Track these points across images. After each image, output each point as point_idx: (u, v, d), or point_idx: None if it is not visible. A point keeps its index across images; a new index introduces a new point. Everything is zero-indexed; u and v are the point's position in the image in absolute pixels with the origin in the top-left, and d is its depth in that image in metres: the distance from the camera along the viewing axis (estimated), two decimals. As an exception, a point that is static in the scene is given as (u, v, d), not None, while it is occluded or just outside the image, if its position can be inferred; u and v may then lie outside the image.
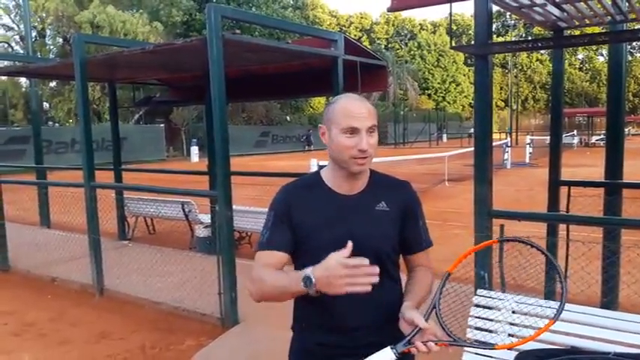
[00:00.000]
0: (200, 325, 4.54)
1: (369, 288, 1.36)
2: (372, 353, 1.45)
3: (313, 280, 1.39)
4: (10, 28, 32.54)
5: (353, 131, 1.54)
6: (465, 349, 2.42)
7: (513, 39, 45.09)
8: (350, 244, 1.39)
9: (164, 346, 4.18)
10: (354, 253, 1.58)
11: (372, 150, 1.57)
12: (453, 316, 1.63)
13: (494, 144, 3.49)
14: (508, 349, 2.39)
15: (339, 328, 1.54)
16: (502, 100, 61.93)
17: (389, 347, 1.43)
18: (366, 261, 1.37)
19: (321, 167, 1.74)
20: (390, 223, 1.65)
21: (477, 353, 2.47)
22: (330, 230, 1.59)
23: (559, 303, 1.50)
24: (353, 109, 1.56)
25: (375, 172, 1.71)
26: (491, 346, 1.43)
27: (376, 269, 1.37)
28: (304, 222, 1.61)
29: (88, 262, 5.56)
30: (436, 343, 1.43)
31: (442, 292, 1.54)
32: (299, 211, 1.62)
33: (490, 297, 2.69)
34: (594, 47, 61.15)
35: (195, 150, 28.49)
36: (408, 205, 1.70)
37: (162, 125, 30.58)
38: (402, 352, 1.43)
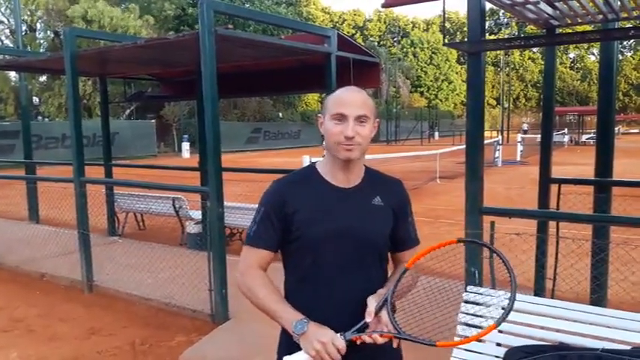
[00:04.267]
0: (190, 322, 4.53)
1: None
2: (362, 346, 1.48)
3: (306, 329, 1.48)
4: (0, 22, 32.22)
5: (341, 118, 1.56)
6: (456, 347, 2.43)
7: (506, 37, 45.24)
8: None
9: (154, 342, 4.16)
10: (351, 247, 1.60)
11: (361, 140, 1.57)
12: (440, 312, 1.63)
13: (485, 142, 3.50)
14: (450, 347, 2.42)
15: (327, 323, 1.54)
16: (494, 99, 62.19)
17: (339, 334, 1.47)
18: (342, 350, 1.46)
19: (314, 163, 1.74)
20: (385, 217, 1.67)
21: (466, 349, 2.48)
22: (327, 223, 1.60)
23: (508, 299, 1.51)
24: (345, 97, 1.59)
25: (369, 169, 1.73)
26: (432, 343, 1.44)
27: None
28: (300, 216, 1.60)
29: (77, 258, 5.52)
30: (381, 335, 1.47)
31: (397, 286, 1.55)
32: (293, 205, 1.61)
33: (480, 293, 2.71)
34: (586, 46, 61.68)
35: (186, 146, 28.37)
36: (401, 202, 1.72)
37: (153, 121, 30.41)
38: (350, 339, 1.47)
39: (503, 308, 2.52)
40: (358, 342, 1.48)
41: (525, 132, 24.19)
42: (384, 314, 1.51)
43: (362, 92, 1.61)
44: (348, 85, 1.68)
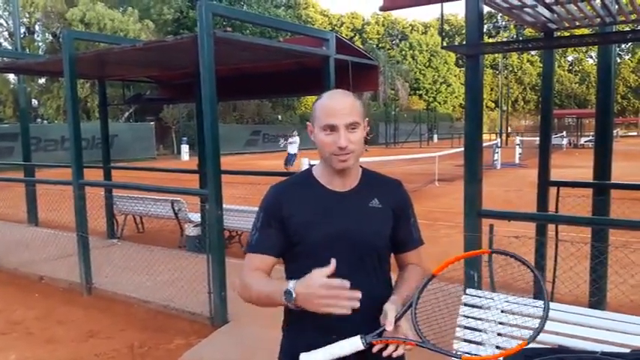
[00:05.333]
0: (189, 325, 4.52)
1: (348, 311, 1.38)
2: (368, 355, 1.46)
3: (293, 294, 1.42)
4: (-1, 24, 32.21)
5: (332, 128, 1.54)
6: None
7: (504, 40, 45.32)
8: (334, 262, 1.40)
9: (153, 345, 4.15)
10: (349, 250, 1.59)
11: (354, 146, 1.55)
12: (441, 316, 1.63)
13: (484, 144, 3.51)
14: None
15: (329, 327, 1.54)
16: (492, 101, 62.29)
17: (359, 336, 1.44)
18: (347, 284, 1.38)
19: (312, 166, 1.74)
20: (383, 220, 1.65)
21: (466, 353, 2.47)
22: (325, 227, 1.59)
23: (540, 320, 1.46)
24: (332, 105, 1.56)
25: (366, 170, 1.72)
26: (458, 357, 1.42)
27: (358, 294, 1.39)
28: (297, 220, 1.60)
29: (76, 261, 5.51)
30: (404, 342, 1.44)
31: (423, 292, 1.53)
32: (291, 209, 1.61)
33: (479, 296, 2.70)
34: (584, 49, 61.79)
35: (185, 148, 28.36)
36: (400, 203, 1.71)
37: (152, 123, 30.39)
38: (371, 342, 1.44)
39: (503, 311, 2.53)
40: (376, 348, 1.44)
41: (508, 135, 24.77)
42: (403, 322, 1.48)
43: (349, 96, 1.59)
44: (345, 89, 1.67)
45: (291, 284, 1.44)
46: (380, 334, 1.46)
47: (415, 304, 1.50)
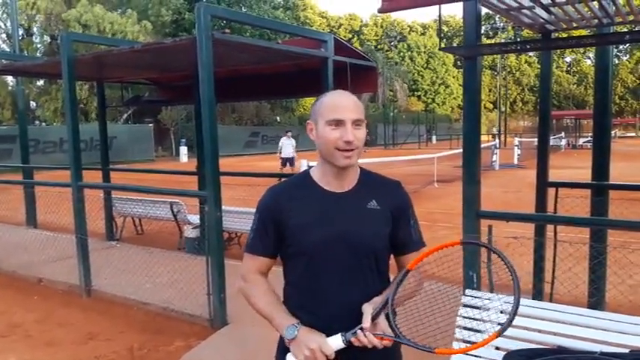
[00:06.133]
0: (189, 327, 4.52)
1: None
2: (359, 352, 1.49)
3: (296, 334, 1.52)
4: (-3, 26, 32.20)
5: (338, 123, 1.55)
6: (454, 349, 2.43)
7: (502, 41, 45.34)
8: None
9: (152, 347, 4.15)
10: (346, 251, 1.60)
11: (359, 143, 1.57)
12: (440, 316, 1.63)
13: (482, 145, 3.51)
14: (449, 354, 2.42)
15: (328, 329, 1.55)
16: (491, 102, 62.35)
17: (340, 334, 1.49)
18: None
19: (310, 167, 1.74)
20: (381, 221, 1.65)
21: (466, 353, 2.48)
22: (322, 229, 1.59)
23: (511, 311, 1.47)
24: (338, 102, 1.58)
25: (364, 171, 1.71)
26: (431, 350, 1.44)
27: None
28: (294, 222, 1.61)
29: (75, 263, 5.51)
30: (381, 338, 1.47)
31: (398, 288, 1.55)
32: (288, 212, 1.61)
33: (478, 297, 2.71)
34: (582, 50, 61.88)
35: (184, 150, 28.39)
36: (399, 204, 1.70)
37: (150, 125, 30.40)
38: (350, 340, 1.48)
39: (502, 312, 2.53)
40: (356, 343, 1.48)
41: (494, 136, 25.00)
42: (381, 319, 1.50)
43: (352, 96, 1.62)
44: (344, 90, 1.68)
45: (299, 326, 1.54)
46: (357, 332, 1.49)
47: (392, 300, 1.52)
